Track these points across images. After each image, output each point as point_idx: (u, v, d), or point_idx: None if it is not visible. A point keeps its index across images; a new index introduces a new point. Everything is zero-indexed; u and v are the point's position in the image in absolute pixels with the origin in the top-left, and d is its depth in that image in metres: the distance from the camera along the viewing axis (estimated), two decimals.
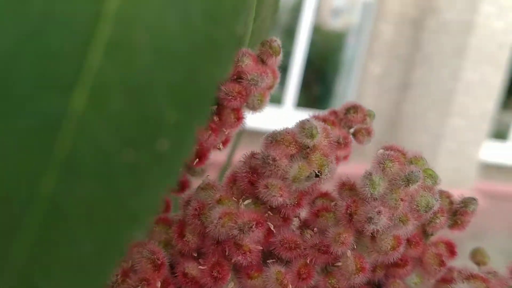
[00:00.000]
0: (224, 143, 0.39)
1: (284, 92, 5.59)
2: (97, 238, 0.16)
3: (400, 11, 5.37)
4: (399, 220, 0.31)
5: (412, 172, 0.30)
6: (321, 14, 6.09)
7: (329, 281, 0.33)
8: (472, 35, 4.92)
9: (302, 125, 0.31)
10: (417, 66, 5.50)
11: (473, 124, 5.22)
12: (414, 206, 0.31)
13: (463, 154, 5.25)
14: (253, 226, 0.31)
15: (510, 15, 5.01)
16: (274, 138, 0.31)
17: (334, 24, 6.36)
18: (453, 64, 5.08)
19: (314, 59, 5.91)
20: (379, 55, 5.47)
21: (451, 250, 0.36)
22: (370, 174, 0.31)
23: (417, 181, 0.30)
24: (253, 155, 0.32)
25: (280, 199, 0.31)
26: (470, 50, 4.94)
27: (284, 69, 5.59)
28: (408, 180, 0.30)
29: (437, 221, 0.35)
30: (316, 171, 0.30)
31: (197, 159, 0.37)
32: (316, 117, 0.39)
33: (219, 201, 0.32)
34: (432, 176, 0.32)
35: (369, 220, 0.30)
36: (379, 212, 0.30)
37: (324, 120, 0.38)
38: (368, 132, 0.39)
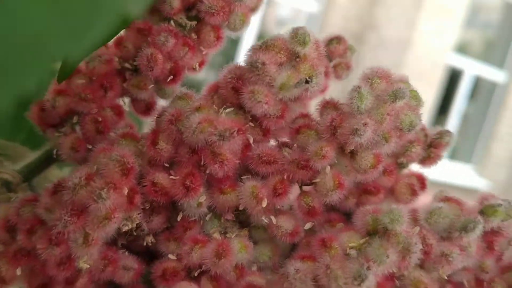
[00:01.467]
0: (201, 64, 0.37)
1: None
2: None
3: (342, 25, 5.50)
4: (383, 136, 0.30)
5: (400, 88, 0.30)
6: (266, 23, 6.13)
7: (304, 200, 0.31)
8: (409, 52, 5.11)
9: (295, 31, 0.30)
10: (356, 80, 5.64)
11: None
12: (398, 124, 0.30)
13: None
14: (234, 133, 0.29)
15: (445, 35, 5.25)
16: (265, 44, 0.30)
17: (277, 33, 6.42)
18: None
19: None
20: None
21: (422, 182, 0.36)
22: (359, 87, 0.30)
23: (404, 98, 0.30)
24: (238, 65, 0.31)
25: (265, 106, 0.30)
26: (406, 67, 5.13)
27: None
28: (395, 96, 0.30)
29: (413, 150, 0.35)
30: (307, 78, 0.29)
31: (171, 76, 0.35)
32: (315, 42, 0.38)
33: (198, 109, 0.30)
34: (417, 98, 0.31)
35: (355, 131, 0.29)
36: (365, 124, 0.29)
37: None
38: (348, 67, 0.38)
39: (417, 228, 0.30)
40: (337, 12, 5.38)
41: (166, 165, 0.31)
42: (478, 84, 6.00)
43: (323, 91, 0.38)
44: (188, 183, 0.30)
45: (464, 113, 6.05)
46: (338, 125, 0.30)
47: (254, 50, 0.30)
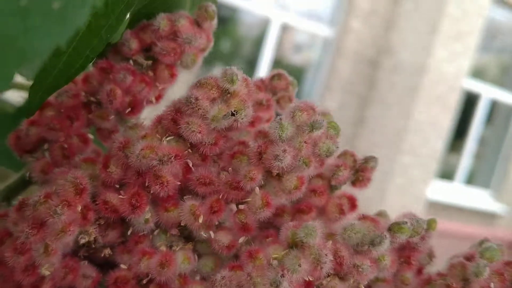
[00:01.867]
0: (157, 98, 0.42)
1: None
2: None
3: (357, 50, 5.56)
4: (303, 161, 0.34)
5: (316, 120, 0.34)
6: (283, 48, 6.22)
7: (238, 217, 0.36)
8: (424, 76, 5.13)
9: (224, 71, 0.34)
10: (371, 103, 5.67)
11: (422, 163, 5.40)
12: (317, 151, 0.35)
13: (411, 191, 5.40)
14: (172, 158, 0.34)
15: (461, 60, 5.26)
16: (199, 82, 0.35)
17: (295, 59, 6.52)
18: (405, 103, 5.27)
19: None
20: (336, 91, 5.63)
21: (352, 203, 0.40)
22: (281, 119, 0.34)
23: (320, 128, 0.34)
24: (178, 99, 0.36)
25: (199, 135, 0.34)
26: (421, 91, 5.15)
27: None
28: (312, 127, 0.34)
29: (340, 173, 0.39)
30: (232, 111, 0.34)
31: (130, 108, 0.40)
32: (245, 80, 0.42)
33: (143, 137, 0.35)
34: (335, 128, 0.36)
35: (276, 157, 0.34)
36: (284, 151, 0.34)
37: (255, 86, 0.42)
38: (290, 99, 0.43)
39: (329, 242, 0.34)
40: (352, 37, 5.44)
41: (117, 186, 0.36)
42: (495, 108, 5.98)
43: (268, 121, 0.43)
44: (134, 202, 0.35)
45: (481, 137, 6.01)
46: (263, 151, 0.35)
47: (190, 87, 0.35)
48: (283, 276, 0.32)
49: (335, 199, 0.39)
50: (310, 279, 0.33)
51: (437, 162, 5.51)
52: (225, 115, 0.34)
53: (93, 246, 0.37)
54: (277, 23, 5.41)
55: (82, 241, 0.36)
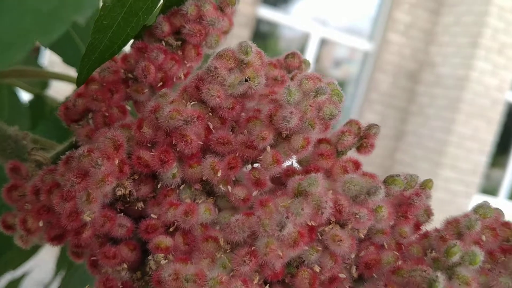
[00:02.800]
0: (186, 75, 0.48)
1: None
2: None
3: (397, 63, 5.55)
4: (308, 123, 0.39)
5: (321, 87, 0.39)
6: (323, 63, 6.27)
7: (252, 173, 0.41)
8: (466, 89, 5.07)
9: (240, 44, 0.40)
10: (412, 116, 5.63)
11: (464, 177, 5.31)
12: (321, 114, 0.40)
13: (453, 206, 5.31)
14: (195, 119, 0.40)
15: (503, 73, 5.18)
16: (218, 54, 0.40)
17: (335, 73, 6.55)
18: (447, 117, 5.21)
19: None
20: (375, 104, 5.62)
21: (357, 166, 0.44)
22: (289, 85, 0.40)
23: (324, 94, 0.39)
24: (201, 70, 0.41)
25: (218, 100, 0.40)
26: (463, 104, 5.09)
27: None
28: (317, 92, 0.39)
29: (345, 138, 0.44)
30: (246, 77, 0.39)
31: (161, 83, 0.46)
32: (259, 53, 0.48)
33: (171, 102, 0.41)
34: (338, 95, 0.41)
35: (284, 118, 0.39)
36: (291, 113, 0.39)
37: (269, 63, 0.48)
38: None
39: (330, 191, 0.38)
40: (392, 50, 5.44)
41: (149, 145, 0.42)
42: None
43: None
44: (163, 157, 0.40)
45: None
46: (273, 114, 0.40)
47: (211, 58, 0.41)
48: (288, 218, 0.37)
49: (341, 162, 0.44)
50: (313, 224, 0.38)
51: (479, 176, 5.40)
52: (240, 81, 0.39)
53: (128, 199, 0.43)
54: (316, 37, 5.47)
55: (119, 193, 0.42)
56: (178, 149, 0.41)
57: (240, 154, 0.41)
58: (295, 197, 0.39)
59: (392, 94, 5.63)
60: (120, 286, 0.43)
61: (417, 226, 0.42)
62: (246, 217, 0.39)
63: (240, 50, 0.40)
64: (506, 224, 0.42)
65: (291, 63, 0.48)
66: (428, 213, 0.42)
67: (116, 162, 0.40)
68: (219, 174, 0.41)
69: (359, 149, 0.45)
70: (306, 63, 0.48)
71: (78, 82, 0.42)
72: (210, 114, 0.41)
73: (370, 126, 0.44)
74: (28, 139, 0.51)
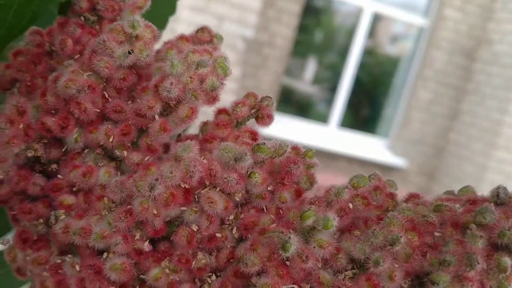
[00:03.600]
0: None
1: (330, 111, 5.66)
2: None
3: (453, 40, 5.35)
4: (191, 94, 0.42)
5: (202, 59, 0.42)
6: (378, 38, 6.13)
7: (145, 140, 0.44)
8: None
9: (127, 18, 0.43)
10: (467, 95, 5.44)
11: None
12: (204, 86, 0.42)
13: (508, 188, 5.12)
14: (86, 88, 0.43)
15: None
16: (109, 27, 0.43)
17: (390, 48, 6.40)
18: (503, 96, 5.00)
19: (365, 82, 5.96)
20: (430, 82, 5.46)
21: (254, 136, 0.46)
22: (173, 58, 0.42)
23: (205, 67, 0.42)
24: (94, 42, 0.44)
25: (107, 71, 0.43)
26: None
27: (332, 88, 5.67)
28: (198, 65, 0.42)
29: (238, 110, 0.46)
30: (129, 50, 0.42)
31: (79, 55, 0.50)
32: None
33: (71, 72, 0.44)
34: (223, 68, 0.43)
35: (165, 89, 0.42)
36: (171, 84, 0.41)
37: (181, 38, 0.50)
38: (214, 50, 0.50)
39: (203, 157, 0.41)
40: (447, 26, 5.24)
41: (53, 112, 0.45)
42: None
43: None
44: (62, 123, 0.44)
45: None
46: (158, 84, 0.43)
47: (103, 34, 0.44)
48: (157, 180, 0.40)
49: (236, 132, 0.46)
50: (186, 186, 0.41)
51: None
52: (124, 53, 0.42)
53: (42, 161, 0.47)
54: (368, 12, 5.35)
55: (29, 154, 0.46)
56: (76, 116, 0.44)
57: (132, 122, 0.44)
58: (175, 160, 0.41)
59: (447, 71, 5.45)
60: (35, 238, 0.47)
61: (298, 192, 0.44)
62: (125, 178, 0.42)
63: (128, 25, 0.43)
64: (389, 194, 0.43)
65: (202, 37, 0.50)
66: (311, 181, 0.44)
67: (21, 126, 0.44)
68: (111, 140, 0.44)
69: (257, 120, 0.47)
70: (218, 37, 0.51)
71: None
72: (105, 84, 0.45)
73: (263, 98, 0.46)
74: None
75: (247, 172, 0.41)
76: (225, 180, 0.41)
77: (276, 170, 0.44)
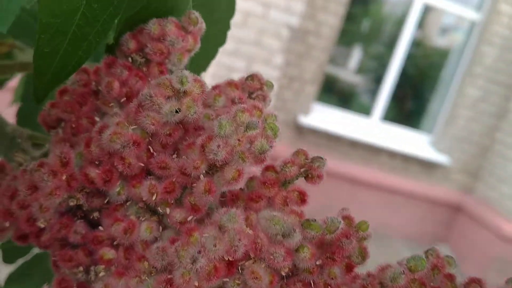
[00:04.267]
0: None
1: (374, 103, 5.56)
2: None
3: (507, 36, 5.14)
4: (239, 156, 0.40)
5: (252, 121, 0.39)
6: (427, 30, 5.96)
7: (189, 199, 0.42)
8: None
9: (176, 73, 0.41)
10: None
11: None
12: (252, 148, 0.40)
13: None
14: (131, 144, 0.41)
15: None
16: (156, 81, 0.41)
17: (439, 41, 6.21)
18: None
19: (411, 74, 5.81)
20: (478, 78, 5.28)
21: (303, 197, 0.44)
22: (221, 118, 0.40)
23: (254, 129, 0.39)
24: (139, 96, 0.42)
25: (153, 127, 0.41)
26: None
27: (377, 79, 5.56)
28: (247, 127, 0.39)
29: (287, 170, 0.43)
30: (176, 108, 0.40)
31: (125, 99, 0.48)
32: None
33: (116, 124, 0.43)
34: (273, 129, 0.40)
35: (211, 151, 0.39)
36: (219, 146, 0.39)
37: (230, 84, 0.48)
38: (264, 98, 0.48)
39: (249, 228, 0.39)
40: (501, 22, 5.04)
41: (97, 162, 0.44)
42: None
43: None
44: (105, 177, 0.43)
45: None
46: (205, 144, 0.40)
47: (150, 86, 0.42)
48: (200, 253, 0.38)
49: (284, 192, 0.44)
50: (230, 259, 0.38)
51: None
52: (171, 112, 0.40)
53: (84, 209, 0.46)
54: (419, 3, 5.19)
55: (71, 203, 0.45)
56: (120, 170, 0.43)
57: (177, 179, 0.42)
58: (218, 230, 0.39)
59: (497, 68, 5.25)
60: (75, 286, 0.47)
61: (349, 267, 0.41)
62: (168, 245, 0.40)
63: (176, 80, 0.41)
64: (449, 276, 0.40)
65: (252, 85, 0.47)
66: (363, 255, 0.41)
67: (64, 177, 0.43)
68: (154, 198, 0.42)
69: (307, 179, 0.44)
70: (268, 85, 0.48)
71: (37, 100, 0.45)
72: (150, 138, 0.43)
73: (314, 159, 0.43)
74: (24, 136, 0.56)
75: (296, 246, 0.39)
76: (272, 256, 0.38)
77: (326, 243, 0.41)
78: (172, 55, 0.47)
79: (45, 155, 0.53)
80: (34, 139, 0.57)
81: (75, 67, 0.43)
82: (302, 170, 0.44)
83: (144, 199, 0.43)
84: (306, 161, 0.44)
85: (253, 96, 0.48)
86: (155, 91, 0.41)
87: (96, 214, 0.46)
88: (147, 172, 0.44)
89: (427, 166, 5.48)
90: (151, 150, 0.43)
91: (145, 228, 0.43)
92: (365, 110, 5.66)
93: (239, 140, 0.39)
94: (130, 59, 0.48)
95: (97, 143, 0.43)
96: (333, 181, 5.12)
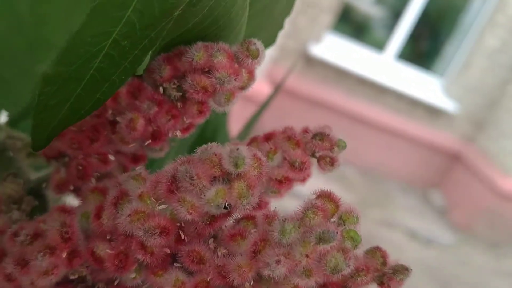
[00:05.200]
0: (184, 131, 0.38)
1: (389, 39, 5.35)
2: None
3: None
4: (303, 272, 0.29)
5: (327, 231, 0.29)
6: None
7: None
8: None
9: (230, 152, 0.29)
10: None
11: None
12: (323, 265, 0.29)
13: None
14: (157, 233, 0.30)
15: None
16: (202, 155, 0.30)
17: None
18: None
19: (431, 13, 5.55)
20: (499, 28, 5.04)
21: None
22: (285, 220, 0.29)
23: (330, 242, 0.29)
24: (176, 167, 0.31)
25: (189, 217, 0.30)
26: None
27: (396, 14, 5.31)
28: (320, 239, 0.29)
29: (359, 278, 0.33)
30: (226, 204, 0.29)
31: (151, 140, 0.37)
32: (286, 131, 0.37)
33: (139, 196, 0.32)
34: (354, 239, 0.30)
35: (267, 265, 0.29)
36: (278, 262, 0.29)
37: (289, 138, 0.36)
38: (332, 162, 0.36)
39: None
40: None
41: (108, 237, 0.33)
42: None
43: (302, 180, 0.37)
44: (118, 262, 0.32)
45: None
46: (258, 250, 0.30)
47: (191, 159, 0.30)
48: None
49: None
50: None
51: None
52: (218, 205, 0.29)
53: (87, 282, 0.36)
54: None
55: (72, 277, 0.35)
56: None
57: (212, 280, 0.32)
58: None
59: None
60: None
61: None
62: None
63: (230, 160, 0.29)
64: None
65: (320, 145, 0.36)
66: None
67: (64, 254, 0.33)
68: None
69: (381, 285, 0.34)
70: (340, 145, 0.36)
71: (34, 149, 0.33)
72: (182, 224, 0.32)
73: (396, 271, 0.33)
74: (17, 147, 0.45)
75: None
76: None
77: None
78: (219, 95, 0.35)
79: (46, 180, 0.42)
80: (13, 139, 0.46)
81: (88, 111, 0.32)
82: (376, 275, 0.34)
83: None
84: (386, 264, 0.33)
85: (317, 156, 0.37)
86: (197, 171, 0.30)
87: (102, 285, 0.37)
88: (173, 257, 0.33)
89: (433, 111, 5.36)
90: (183, 236, 0.32)
91: None
92: (379, 45, 5.44)
93: (307, 256, 0.29)
94: (161, 89, 0.36)
95: (111, 216, 0.33)
96: (333, 116, 5.02)
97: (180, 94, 0.36)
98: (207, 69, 0.35)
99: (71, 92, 0.29)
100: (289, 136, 0.36)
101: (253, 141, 0.38)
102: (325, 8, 4.88)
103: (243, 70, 0.35)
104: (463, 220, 5.11)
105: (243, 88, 0.36)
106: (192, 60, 0.34)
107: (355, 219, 0.30)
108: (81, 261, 0.34)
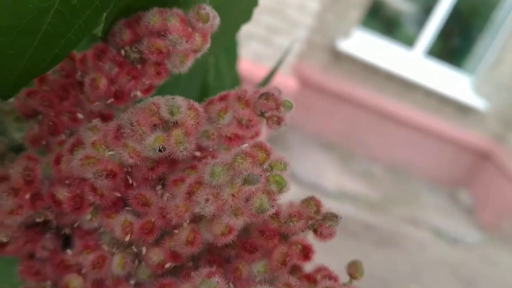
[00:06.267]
0: (145, 92, 0.41)
1: (419, 35, 5.28)
2: None
3: None
4: (232, 212, 0.32)
5: (252, 174, 0.31)
6: None
7: (169, 243, 0.35)
8: None
9: (166, 101, 0.32)
10: None
11: None
12: (249, 206, 0.32)
13: None
14: (104, 176, 0.34)
15: None
16: (142, 105, 0.33)
17: None
18: None
19: (462, 10, 5.46)
20: None
21: (306, 253, 0.36)
22: (215, 164, 0.32)
23: (254, 184, 0.31)
24: (121, 118, 0.34)
25: (131, 160, 0.33)
26: None
27: (426, 10, 5.24)
28: (246, 181, 0.31)
29: (291, 224, 0.36)
30: (160, 147, 0.32)
31: (114, 99, 0.40)
32: (238, 92, 0.40)
33: (92, 144, 0.35)
34: (279, 183, 0.32)
35: (197, 204, 0.32)
36: (207, 200, 0.32)
37: (240, 98, 0.39)
38: (279, 120, 0.39)
39: None
40: None
41: (67, 182, 0.37)
42: None
43: (252, 137, 0.40)
44: (74, 204, 0.36)
45: None
46: (192, 192, 0.33)
47: (134, 109, 0.33)
48: None
49: (285, 246, 0.36)
50: None
51: None
52: (153, 148, 0.32)
53: (52, 225, 0.40)
54: None
55: (37, 220, 0.38)
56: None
57: (156, 220, 0.35)
58: None
59: None
60: None
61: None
62: None
63: (166, 109, 0.32)
64: None
65: (266, 104, 0.39)
66: None
67: (27, 196, 0.36)
68: (127, 238, 0.35)
69: (316, 233, 0.37)
70: (286, 105, 0.39)
71: (2, 98, 0.37)
72: (130, 169, 0.35)
73: (326, 217, 0.35)
74: (5, 110, 0.49)
75: None
76: None
77: None
78: (174, 56, 0.38)
79: (18, 147, 0.46)
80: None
81: (50, 65, 0.35)
82: (310, 223, 0.36)
83: (116, 235, 0.36)
84: (317, 215, 0.36)
85: (266, 115, 0.40)
86: (138, 118, 0.33)
87: (68, 230, 0.40)
88: (124, 201, 0.37)
89: (462, 108, 5.28)
90: (130, 181, 0.36)
91: (118, 263, 0.37)
92: (409, 41, 5.38)
93: (233, 195, 0.32)
94: (123, 52, 0.39)
95: (68, 161, 0.36)
96: (360, 112, 5.00)
97: (140, 56, 0.39)
98: (162, 33, 0.38)
99: (28, 44, 0.32)
100: (239, 96, 0.39)
101: (210, 103, 0.41)
102: (354, 4, 4.86)
103: (197, 34, 0.38)
104: (491, 220, 5.02)
105: (196, 50, 0.39)
106: (148, 24, 0.38)
107: (283, 166, 0.33)
108: (44, 203, 0.37)
